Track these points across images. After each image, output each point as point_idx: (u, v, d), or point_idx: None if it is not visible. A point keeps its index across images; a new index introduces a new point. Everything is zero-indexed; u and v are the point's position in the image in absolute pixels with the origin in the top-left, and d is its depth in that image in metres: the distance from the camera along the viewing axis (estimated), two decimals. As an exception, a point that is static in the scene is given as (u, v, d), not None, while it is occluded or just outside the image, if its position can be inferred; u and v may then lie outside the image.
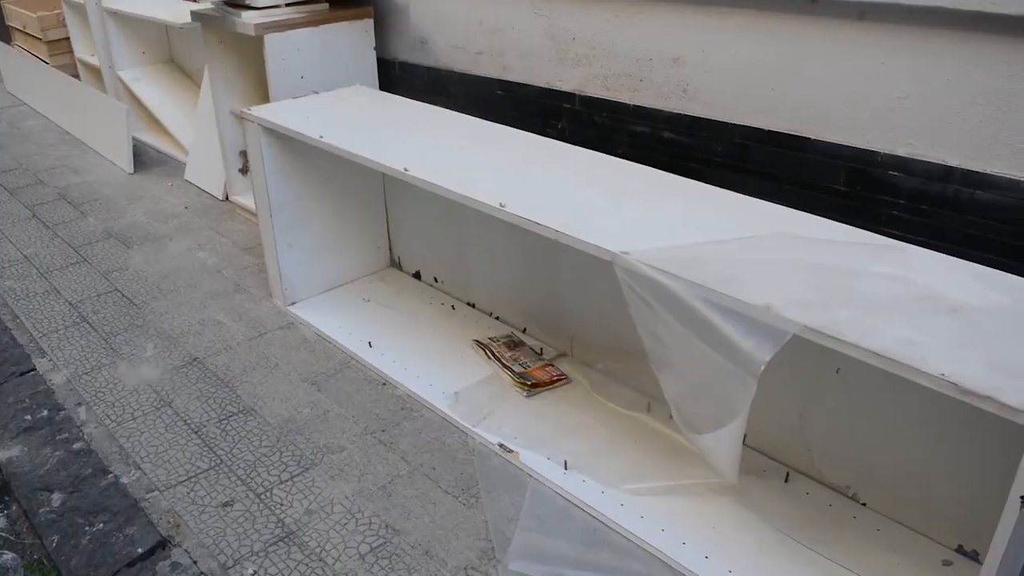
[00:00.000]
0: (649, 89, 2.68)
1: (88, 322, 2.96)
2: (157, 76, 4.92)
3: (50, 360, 2.75)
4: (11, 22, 5.97)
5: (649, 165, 2.19)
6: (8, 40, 6.58)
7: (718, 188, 2.06)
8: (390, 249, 3.25)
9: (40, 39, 5.49)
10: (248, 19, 3.16)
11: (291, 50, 3.22)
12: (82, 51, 5.47)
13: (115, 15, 4.75)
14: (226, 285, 3.19)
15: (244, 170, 3.82)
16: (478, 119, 2.67)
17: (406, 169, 2.20)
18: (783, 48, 2.28)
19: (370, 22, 3.44)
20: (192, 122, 4.55)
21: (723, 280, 1.60)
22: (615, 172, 2.21)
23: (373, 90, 3.07)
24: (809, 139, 2.30)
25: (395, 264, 3.26)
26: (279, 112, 2.73)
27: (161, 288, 3.19)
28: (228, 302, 3.07)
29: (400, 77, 3.55)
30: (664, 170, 2.17)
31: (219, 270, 3.31)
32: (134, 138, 4.51)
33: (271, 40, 3.14)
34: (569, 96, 2.92)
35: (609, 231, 1.82)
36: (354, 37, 3.40)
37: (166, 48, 5.07)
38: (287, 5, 3.27)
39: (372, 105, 2.86)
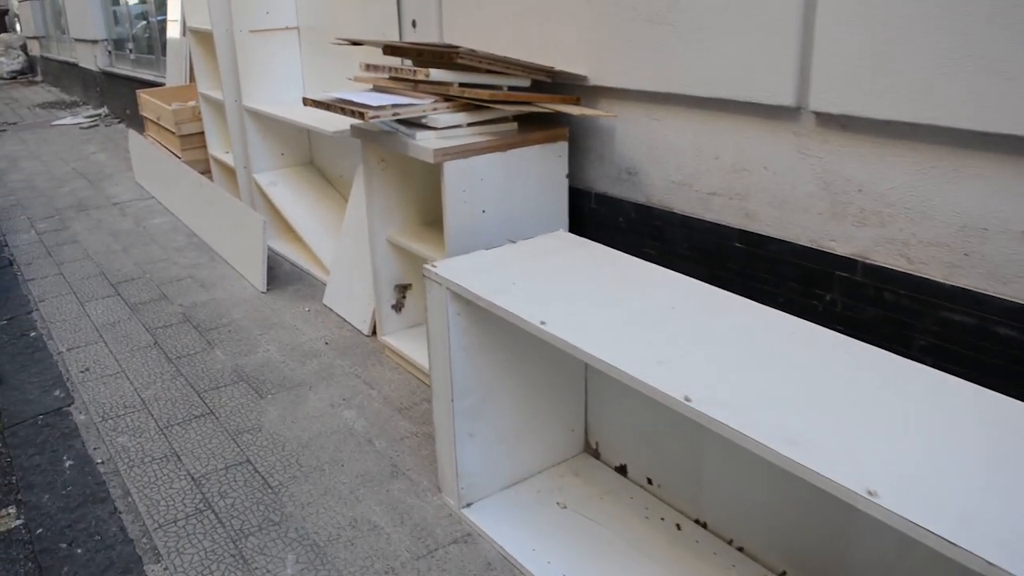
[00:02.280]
0: (979, 267, 1.96)
1: (214, 509, 2.36)
2: (296, 181, 4.48)
3: (165, 568, 2.15)
4: (145, 112, 5.71)
5: (972, 373, 1.46)
6: (141, 130, 6.36)
7: None
8: (586, 431, 2.58)
9: (173, 132, 5.16)
10: (425, 141, 2.60)
11: (473, 180, 2.64)
12: (216, 148, 5.11)
13: (255, 115, 4.34)
14: (380, 464, 2.57)
15: (398, 307, 3.24)
16: (726, 294, 2.01)
17: (648, 381, 1.54)
18: None
19: (564, 145, 2.85)
20: (334, 238, 4.04)
21: None
22: (929, 385, 1.48)
23: (581, 240, 2.45)
24: None
25: (591, 451, 2.59)
26: (473, 273, 2.13)
27: (301, 463, 2.58)
28: (384, 492, 2.43)
29: (597, 213, 2.93)
30: (1001, 386, 1.43)
31: (370, 439, 2.69)
32: (267, 247, 4.03)
33: (451, 169, 2.57)
34: (846, 262, 2.23)
35: (937, 494, 1.09)
36: (545, 163, 2.81)
37: (307, 150, 4.64)
38: (469, 125, 2.71)
39: (588, 263, 2.23)
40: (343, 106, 2.62)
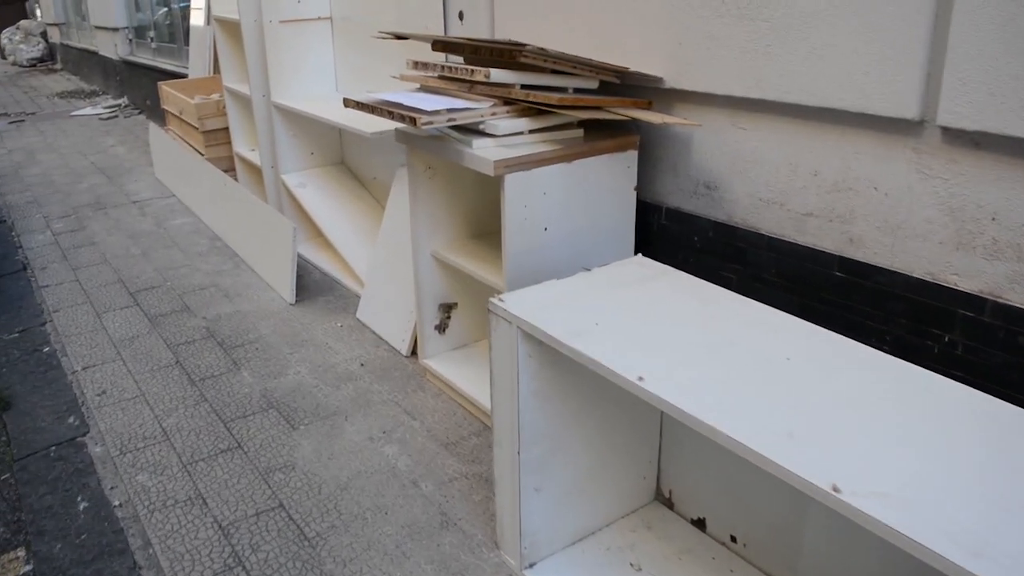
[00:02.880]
0: None
1: (244, 566, 2.10)
2: (326, 182, 4.20)
3: (193, 638, 1.88)
4: (166, 105, 5.44)
5: None
6: (162, 123, 6.11)
7: None
8: (658, 478, 2.29)
9: (196, 128, 4.89)
10: (483, 150, 2.31)
11: (536, 194, 2.35)
12: (242, 145, 4.84)
13: (284, 111, 4.06)
14: (429, 513, 2.29)
15: (442, 327, 2.96)
16: (847, 341, 1.75)
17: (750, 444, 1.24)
18: None
19: (634, 155, 2.55)
20: (368, 246, 3.76)
21: None
22: None
23: (663, 268, 2.15)
24: None
25: (664, 500, 2.30)
26: (547, 308, 1.85)
27: (340, 510, 2.31)
28: (435, 547, 2.16)
29: (667, 230, 2.63)
30: None
31: (416, 481, 2.42)
32: (297, 255, 3.75)
33: (513, 182, 2.28)
34: (971, 300, 1.93)
35: None
36: (612, 175, 2.52)
37: (338, 149, 4.36)
38: (531, 132, 2.42)
39: (676, 297, 1.94)
40: (391, 110, 2.33)
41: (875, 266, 2.10)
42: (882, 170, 2.03)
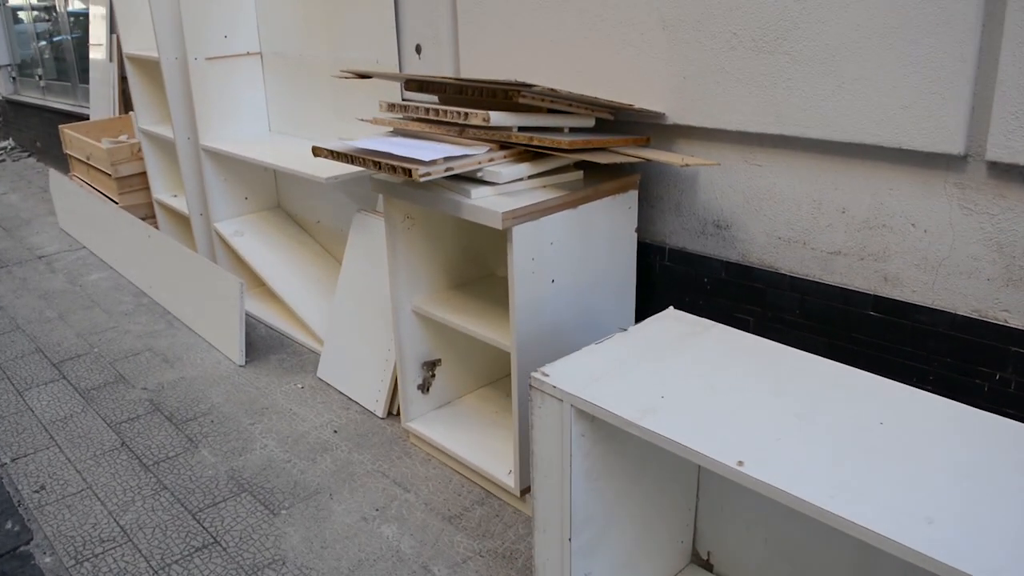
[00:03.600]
0: None
1: None
2: (264, 228, 3.89)
3: None
4: (70, 150, 4.99)
5: None
6: (60, 167, 5.61)
7: None
8: (694, 540, 2.13)
9: (108, 174, 4.48)
10: (484, 200, 2.12)
11: (543, 245, 2.17)
12: (162, 192, 4.46)
13: (214, 155, 3.74)
14: (449, 605, 2.05)
15: (425, 387, 2.73)
16: (936, 399, 1.63)
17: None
18: None
19: (634, 195, 2.41)
20: (318, 296, 3.48)
21: None
22: None
23: (700, 321, 1.99)
24: None
25: (701, 562, 2.14)
26: (598, 381, 1.67)
27: (349, 610, 2.05)
28: (466, 648, 1.92)
29: (671, 271, 2.49)
30: None
31: (426, 566, 2.18)
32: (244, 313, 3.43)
33: (521, 234, 2.09)
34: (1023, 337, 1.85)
35: None
36: (614, 217, 2.36)
37: (273, 193, 4.06)
38: (530, 178, 2.24)
39: (730, 356, 1.79)
40: (378, 160, 2.10)
41: (914, 304, 2.01)
42: (920, 206, 1.94)
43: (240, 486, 2.56)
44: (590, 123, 2.37)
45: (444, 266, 2.69)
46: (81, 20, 6.26)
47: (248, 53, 3.79)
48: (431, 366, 2.73)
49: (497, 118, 2.12)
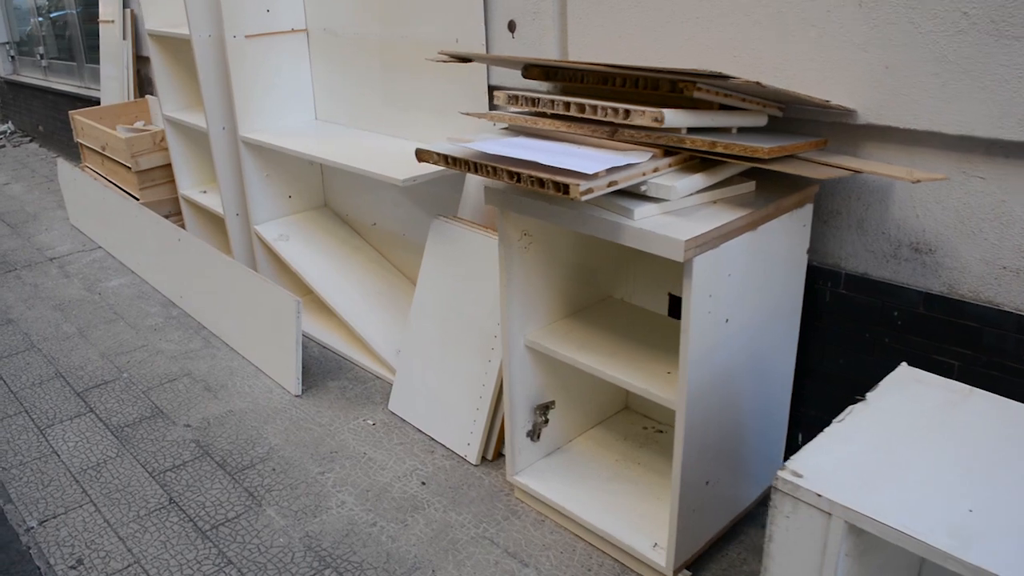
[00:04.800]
0: None
1: None
2: (311, 231, 3.42)
3: None
4: (82, 139, 4.49)
5: None
6: (76, 157, 5.12)
7: None
8: (913, 654, 1.69)
9: (128, 167, 3.99)
10: (651, 221, 1.66)
11: (721, 277, 1.72)
12: (188, 187, 3.98)
13: (255, 148, 3.26)
14: None
15: (535, 433, 2.28)
16: None
17: None
18: None
19: (809, 210, 1.95)
20: (380, 311, 3.03)
21: None
22: None
23: (952, 385, 1.54)
24: None
25: None
26: (866, 484, 1.23)
27: None
28: None
29: (847, 301, 2.04)
30: None
31: None
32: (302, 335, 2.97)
33: (703, 266, 1.64)
34: None
35: None
36: (788, 238, 1.91)
37: (319, 191, 3.58)
38: (698, 192, 1.77)
39: (998, 429, 1.35)
40: (520, 170, 1.64)
41: None
42: None
43: (322, 560, 2.11)
44: (762, 122, 1.91)
45: (560, 291, 2.24)
46: (86, -7, 5.73)
47: (293, 30, 3.30)
48: (544, 410, 2.28)
49: (672, 118, 1.66)
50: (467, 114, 2.09)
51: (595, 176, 1.59)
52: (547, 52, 2.49)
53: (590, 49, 2.37)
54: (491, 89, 2.69)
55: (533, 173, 1.63)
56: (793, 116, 1.99)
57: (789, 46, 1.92)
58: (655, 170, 1.71)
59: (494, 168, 1.71)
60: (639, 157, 1.70)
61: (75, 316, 3.60)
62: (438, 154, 1.83)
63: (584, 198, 1.56)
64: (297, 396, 2.89)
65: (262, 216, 3.41)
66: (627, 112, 1.69)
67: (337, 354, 3.17)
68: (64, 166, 4.70)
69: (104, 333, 3.43)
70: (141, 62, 4.79)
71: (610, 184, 1.62)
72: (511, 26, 2.57)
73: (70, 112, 4.51)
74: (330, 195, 3.60)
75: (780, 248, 1.89)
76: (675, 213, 1.73)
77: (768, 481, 2.23)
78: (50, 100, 6.25)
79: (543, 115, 1.89)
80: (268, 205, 3.42)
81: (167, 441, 2.66)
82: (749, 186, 1.88)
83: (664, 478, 2.26)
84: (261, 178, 3.37)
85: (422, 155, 1.87)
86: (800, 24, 1.89)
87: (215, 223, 4.03)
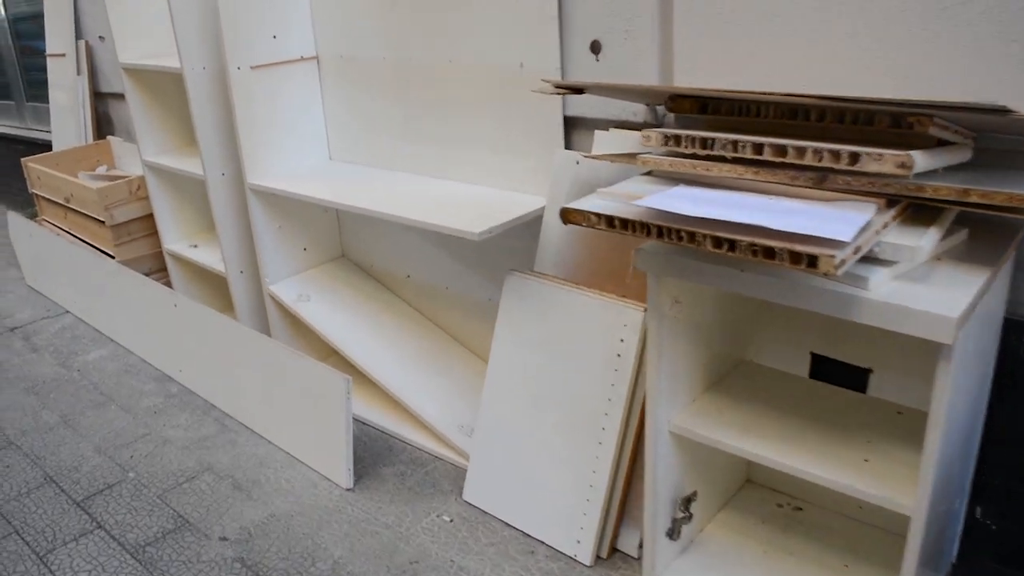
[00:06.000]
0: None
1: None
2: (333, 287, 2.99)
3: None
4: (39, 189, 3.94)
5: None
6: (23, 205, 4.55)
7: None
8: None
9: (100, 221, 3.48)
10: (894, 293, 1.31)
11: (968, 355, 1.39)
12: (175, 240, 3.48)
13: (265, 196, 2.82)
14: None
15: (677, 531, 1.91)
16: None
17: None
18: None
19: (1012, 257, 1.63)
20: (429, 375, 2.62)
21: None
22: None
23: None
24: None
25: None
26: None
27: None
28: None
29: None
30: None
31: None
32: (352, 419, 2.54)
33: (962, 346, 1.30)
34: None
35: None
36: (999, 292, 1.59)
37: (335, 239, 3.15)
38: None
39: None
40: (736, 237, 1.27)
41: None
42: None
43: None
44: (967, 156, 1.58)
45: (701, 362, 1.88)
46: (25, 25, 5.14)
47: (302, 58, 2.87)
48: (686, 503, 1.92)
49: (922, 161, 1.31)
50: (585, 156, 1.71)
51: (842, 244, 1.24)
52: (643, 77, 2.14)
53: (702, 73, 2.02)
54: (567, 121, 2.32)
55: (758, 241, 1.26)
56: (981, 146, 1.68)
57: (987, 66, 1.60)
58: (884, 226, 1.37)
59: (692, 234, 1.33)
60: (867, 211, 1.35)
61: (54, 400, 3.08)
62: (597, 215, 1.45)
63: (839, 271, 1.20)
64: (348, 490, 2.46)
65: (276, 274, 2.96)
66: (853, 156, 1.34)
67: (382, 431, 2.75)
68: (16, 219, 4.13)
69: (94, 420, 2.92)
70: (98, 99, 4.26)
71: (855, 251, 1.26)
72: (595, 47, 2.20)
73: (23, 160, 3.96)
74: (348, 244, 3.17)
75: (991, 305, 1.57)
76: (908, 277, 1.39)
77: (949, 560, 1.91)
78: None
79: (719, 159, 1.53)
80: (282, 261, 2.97)
81: (203, 562, 2.19)
82: (962, 235, 1.56)
83: (828, 571, 1.92)
84: (273, 230, 2.92)
85: (571, 216, 1.49)
86: (1003, 41, 1.57)
87: (208, 281, 3.55)
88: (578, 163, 2.26)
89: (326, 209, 3.06)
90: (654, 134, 1.58)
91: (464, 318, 2.82)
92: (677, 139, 1.55)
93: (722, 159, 1.52)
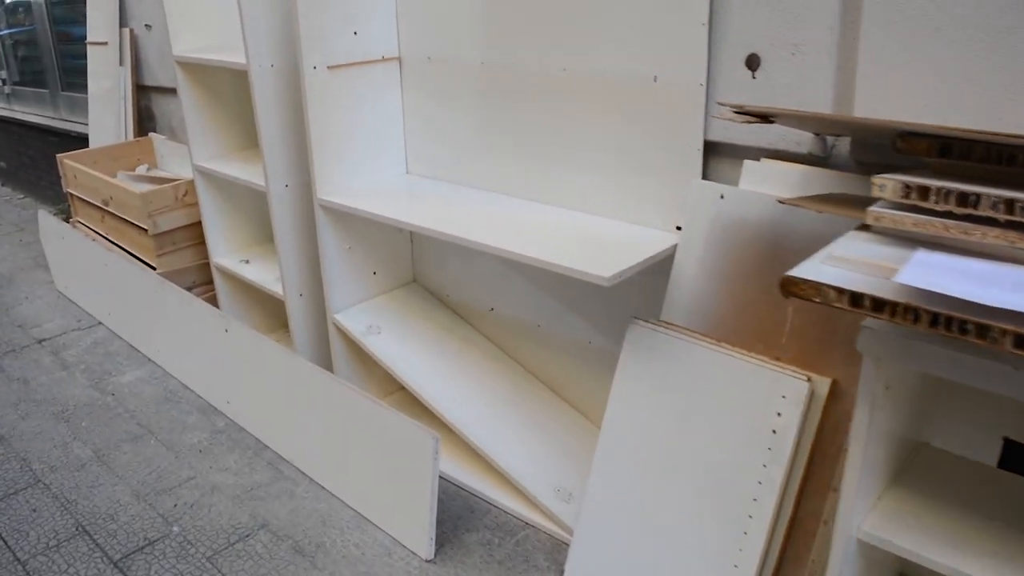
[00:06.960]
0: None
1: None
2: (405, 318, 2.65)
3: None
4: (74, 189, 3.62)
5: None
6: (53, 201, 4.25)
7: None
8: None
9: (141, 228, 3.15)
10: None
11: None
12: (223, 254, 3.16)
13: (336, 215, 2.48)
14: None
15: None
16: None
17: None
18: None
19: None
20: (516, 425, 2.29)
21: None
22: None
23: None
24: None
25: None
26: None
27: None
28: None
29: None
30: None
31: None
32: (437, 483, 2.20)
33: None
34: None
35: None
36: None
37: (407, 263, 2.81)
38: None
39: None
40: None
41: None
42: None
43: None
44: None
45: (892, 451, 1.52)
46: (64, 10, 4.83)
47: (384, 58, 2.54)
48: (869, 627, 1.56)
49: None
50: (815, 206, 1.36)
51: None
52: (811, 102, 1.79)
53: (893, 102, 1.67)
54: (707, 146, 1.98)
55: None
56: None
57: None
58: None
59: (981, 327, 0.98)
60: None
61: (87, 430, 2.75)
62: (838, 290, 1.10)
63: None
64: (429, 561, 2.12)
65: (343, 301, 2.63)
66: None
67: (461, 487, 2.41)
68: (47, 220, 3.81)
69: (132, 458, 2.59)
70: (140, 93, 3.95)
71: None
72: (752, 62, 1.86)
73: (59, 157, 3.64)
74: (421, 269, 2.84)
75: None
76: None
77: None
78: (15, 133, 5.32)
79: (987, 221, 1.18)
80: (350, 287, 2.64)
81: (266, 649, 1.85)
82: None
83: None
84: (343, 252, 2.59)
85: (798, 289, 1.14)
86: None
87: (258, 300, 3.22)
88: (723, 197, 1.91)
89: (400, 229, 2.72)
90: (890, 183, 1.23)
91: (557, 363, 2.48)
92: (923, 191, 1.20)
93: (992, 222, 1.17)
